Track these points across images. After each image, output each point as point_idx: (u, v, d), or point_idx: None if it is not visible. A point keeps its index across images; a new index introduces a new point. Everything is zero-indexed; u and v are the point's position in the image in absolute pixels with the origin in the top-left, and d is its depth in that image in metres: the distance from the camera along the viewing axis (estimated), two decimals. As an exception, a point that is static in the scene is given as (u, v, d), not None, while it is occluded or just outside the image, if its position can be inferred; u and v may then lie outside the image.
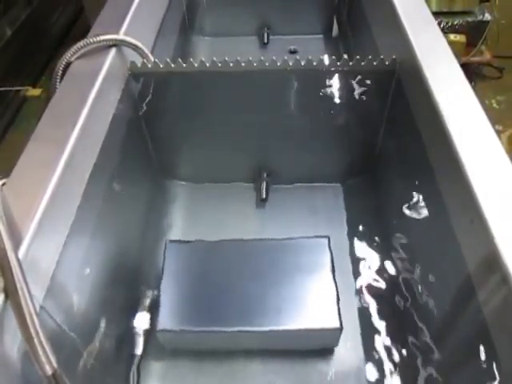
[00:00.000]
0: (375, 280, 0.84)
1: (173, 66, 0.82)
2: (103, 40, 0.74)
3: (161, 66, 0.82)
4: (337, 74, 0.84)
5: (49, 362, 0.43)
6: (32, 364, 0.43)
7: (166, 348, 0.74)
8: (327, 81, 0.85)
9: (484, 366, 0.51)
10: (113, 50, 0.76)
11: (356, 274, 0.85)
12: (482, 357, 0.52)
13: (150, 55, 0.83)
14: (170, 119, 0.92)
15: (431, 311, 0.67)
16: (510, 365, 0.47)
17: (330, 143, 0.96)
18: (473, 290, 0.53)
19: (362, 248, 0.89)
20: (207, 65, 0.81)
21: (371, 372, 0.73)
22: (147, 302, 0.76)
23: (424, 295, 0.71)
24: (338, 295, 0.71)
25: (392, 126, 0.88)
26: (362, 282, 0.84)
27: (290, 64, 0.81)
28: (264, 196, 0.97)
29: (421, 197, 0.73)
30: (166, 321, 0.69)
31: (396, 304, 0.79)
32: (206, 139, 0.95)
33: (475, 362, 0.54)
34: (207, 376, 0.73)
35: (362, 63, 0.81)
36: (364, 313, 0.79)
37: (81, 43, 0.73)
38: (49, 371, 0.43)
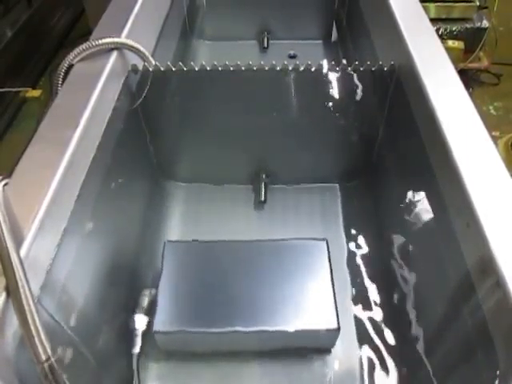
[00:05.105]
0: (372, 281, 0.84)
1: (173, 69, 0.82)
2: (105, 43, 0.75)
3: (161, 68, 0.82)
4: (335, 79, 0.85)
5: (44, 351, 0.44)
6: (27, 351, 0.44)
7: (163, 349, 0.74)
8: (326, 85, 0.86)
9: (483, 366, 0.52)
10: (114, 53, 0.77)
11: (353, 275, 0.86)
12: (481, 357, 0.52)
13: (150, 58, 0.84)
14: (170, 121, 0.93)
15: (429, 312, 0.68)
16: (506, 365, 0.48)
17: (329, 145, 0.97)
18: (470, 293, 0.54)
19: (359, 249, 0.89)
20: (207, 68, 0.82)
21: (368, 373, 0.73)
22: (145, 301, 0.77)
23: (422, 297, 0.72)
24: (335, 297, 0.72)
25: (390, 129, 0.89)
26: (360, 283, 0.84)
27: (290, 68, 0.82)
28: (263, 198, 0.98)
29: (419, 199, 0.74)
30: (162, 322, 0.69)
31: (393, 305, 0.80)
32: (205, 141, 0.96)
33: (473, 363, 0.54)
34: (204, 377, 0.74)
35: (361, 68, 0.82)
36: (361, 314, 0.80)
37: (83, 46, 0.73)
38: (43, 357, 0.44)
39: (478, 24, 1.91)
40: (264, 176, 1.00)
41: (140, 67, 0.82)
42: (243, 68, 0.82)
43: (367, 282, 0.84)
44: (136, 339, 0.74)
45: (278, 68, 0.83)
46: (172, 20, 1.13)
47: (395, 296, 0.79)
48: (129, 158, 0.84)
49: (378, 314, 0.80)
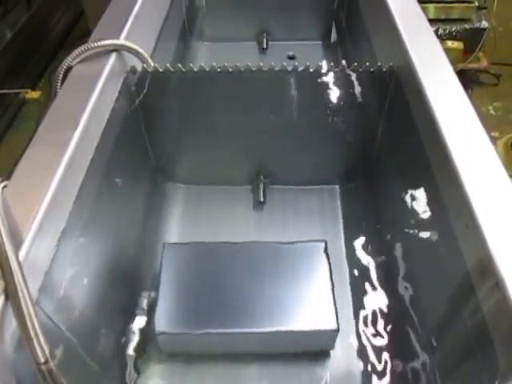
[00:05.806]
0: (372, 283, 0.84)
1: (172, 70, 0.82)
2: (104, 45, 0.75)
3: (160, 70, 0.82)
4: (335, 79, 0.85)
5: (43, 353, 0.44)
6: (26, 353, 0.44)
7: (164, 350, 0.74)
8: (325, 85, 0.86)
9: (483, 367, 0.52)
10: (113, 55, 0.77)
11: (353, 277, 0.85)
12: (481, 358, 0.52)
13: (149, 60, 0.84)
14: (168, 123, 0.93)
15: (429, 314, 0.68)
16: (506, 365, 0.48)
17: (328, 146, 0.96)
18: (470, 294, 0.54)
19: (359, 251, 0.89)
20: (206, 69, 0.82)
21: (367, 376, 0.73)
22: (145, 303, 0.77)
23: (422, 297, 0.72)
24: (334, 298, 0.72)
25: (390, 130, 0.89)
26: (359, 284, 0.84)
27: (289, 69, 0.82)
28: (262, 198, 0.98)
29: (419, 200, 0.74)
30: (163, 323, 0.69)
31: (393, 305, 0.80)
32: (204, 142, 0.96)
33: (473, 363, 0.54)
34: (205, 378, 0.74)
35: (360, 69, 0.82)
36: (360, 316, 0.80)
37: (82, 48, 0.73)
38: (41, 359, 0.44)
39: (477, 24, 1.91)
40: (263, 177, 1.00)
41: (139, 68, 0.82)
42: (242, 69, 0.82)
43: (367, 283, 0.84)
44: (135, 341, 0.74)
45: (277, 69, 0.83)
46: (171, 21, 1.13)
47: (395, 296, 0.79)
48: (128, 159, 0.84)
49: (377, 314, 0.80)
